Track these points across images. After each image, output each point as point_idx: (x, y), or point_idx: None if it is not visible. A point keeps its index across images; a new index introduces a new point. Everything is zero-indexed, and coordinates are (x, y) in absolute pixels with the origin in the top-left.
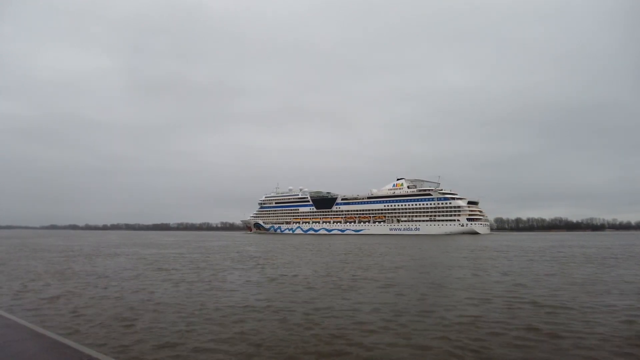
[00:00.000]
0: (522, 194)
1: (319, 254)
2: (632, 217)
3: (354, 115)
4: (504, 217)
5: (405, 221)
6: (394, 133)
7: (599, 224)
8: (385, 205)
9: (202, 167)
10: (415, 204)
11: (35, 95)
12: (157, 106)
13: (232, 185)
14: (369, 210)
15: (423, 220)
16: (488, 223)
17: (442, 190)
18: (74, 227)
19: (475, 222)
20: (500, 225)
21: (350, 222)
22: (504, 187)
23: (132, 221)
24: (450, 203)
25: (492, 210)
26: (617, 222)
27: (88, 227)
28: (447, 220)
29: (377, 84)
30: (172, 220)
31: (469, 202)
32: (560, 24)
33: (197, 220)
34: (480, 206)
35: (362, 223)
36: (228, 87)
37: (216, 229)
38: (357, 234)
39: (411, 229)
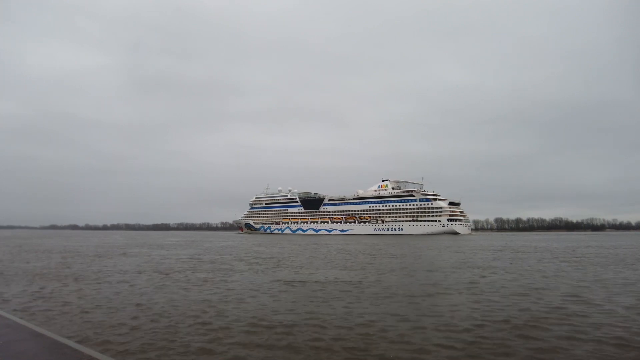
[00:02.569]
0: (522, 194)
1: (333, 255)
2: (632, 217)
3: (352, 114)
4: (504, 217)
5: (389, 221)
6: (392, 132)
7: (599, 224)
8: (370, 206)
9: (200, 167)
10: (399, 205)
11: (27, 93)
12: (152, 105)
13: (230, 185)
14: (355, 210)
15: (406, 221)
16: (469, 224)
17: (424, 191)
18: (74, 227)
19: (456, 223)
20: (500, 225)
21: (336, 223)
22: (504, 187)
23: (132, 221)
24: (432, 204)
25: (492, 210)
26: (617, 222)
27: (88, 227)
28: (428, 221)
29: (374, 81)
30: (172, 220)
31: (450, 203)
32: (561, 21)
33: (197, 220)
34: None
35: (348, 223)
36: (224, 85)
37: (216, 229)
38: (343, 234)
39: (394, 229)
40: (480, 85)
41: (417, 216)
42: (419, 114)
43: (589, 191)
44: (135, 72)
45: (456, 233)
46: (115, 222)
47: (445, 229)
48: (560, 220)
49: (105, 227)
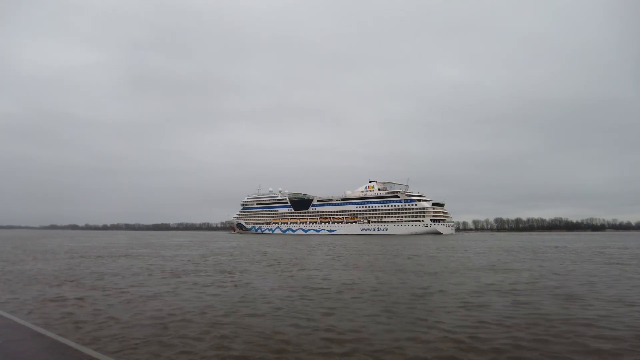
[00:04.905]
0: (522, 194)
1: (351, 256)
2: (632, 217)
3: (350, 113)
4: (504, 217)
5: (375, 222)
6: (391, 131)
7: (599, 224)
8: (357, 207)
9: (198, 167)
10: (384, 206)
11: (19, 91)
12: (149, 103)
13: (229, 185)
14: (342, 211)
15: (391, 221)
16: (452, 224)
17: (410, 192)
18: (73, 227)
19: (439, 223)
20: (500, 226)
21: (325, 223)
22: (504, 187)
23: (131, 221)
24: (416, 205)
25: (492, 210)
26: (617, 223)
27: (88, 227)
28: (412, 221)
29: (372, 80)
30: (172, 220)
31: (434, 204)
32: (562, 19)
33: (197, 220)
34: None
35: (335, 224)
36: (220, 83)
37: (216, 229)
38: (331, 234)
39: (380, 229)
40: (481, 84)
41: (402, 216)
42: (418, 113)
43: (589, 191)
44: (131, 70)
45: (439, 233)
46: (115, 222)
47: (428, 229)
48: (560, 220)
49: (105, 227)
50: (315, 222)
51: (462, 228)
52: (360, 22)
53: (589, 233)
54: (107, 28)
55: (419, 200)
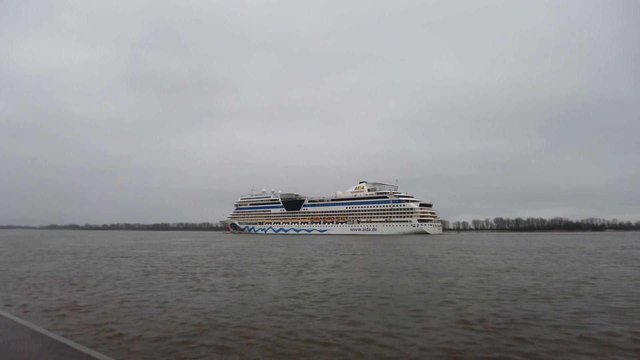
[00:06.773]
0: (522, 193)
1: (357, 256)
2: (632, 217)
3: (348, 112)
4: (504, 217)
5: (365, 222)
6: (389, 130)
7: (599, 224)
8: (347, 207)
9: (196, 166)
10: (373, 206)
11: (15, 90)
12: (145, 102)
13: (228, 185)
14: (333, 211)
15: (380, 221)
16: (439, 224)
17: (398, 193)
18: (74, 227)
19: (426, 224)
20: (500, 225)
21: (316, 223)
22: (504, 187)
23: (131, 221)
24: (404, 205)
25: (492, 210)
26: (617, 222)
27: (88, 227)
28: (400, 222)
29: (370, 78)
30: (172, 220)
31: (422, 205)
32: (562, 17)
33: (197, 220)
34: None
35: (326, 224)
36: (217, 82)
37: (216, 228)
38: (322, 234)
39: (369, 229)
40: (480, 82)
41: (390, 217)
42: (417, 112)
43: (589, 191)
44: (127, 69)
45: (426, 233)
46: (115, 222)
47: (415, 229)
48: (560, 220)
49: (105, 227)
50: (307, 222)
51: (462, 228)
52: (358, 20)
53: (589, 233)
54: (102, 26)
55: (407, 201)
